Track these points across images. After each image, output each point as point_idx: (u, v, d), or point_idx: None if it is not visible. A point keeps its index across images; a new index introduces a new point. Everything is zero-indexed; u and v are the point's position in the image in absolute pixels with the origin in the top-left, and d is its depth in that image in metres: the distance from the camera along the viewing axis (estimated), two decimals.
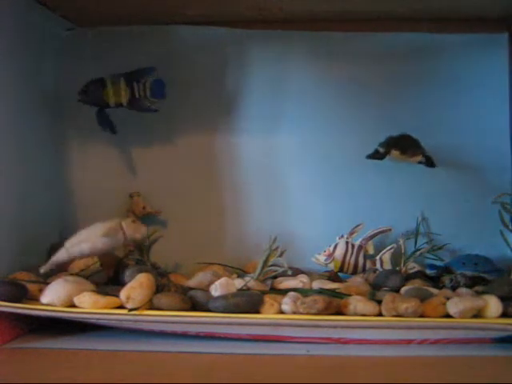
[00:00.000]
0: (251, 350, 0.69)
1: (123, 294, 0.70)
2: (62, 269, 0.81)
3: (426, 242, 0.91)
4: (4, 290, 0.70)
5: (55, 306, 0.70)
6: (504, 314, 0.68)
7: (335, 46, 0.96)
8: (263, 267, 0.77)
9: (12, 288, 0.71)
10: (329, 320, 0.68)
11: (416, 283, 0.78)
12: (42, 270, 0.76)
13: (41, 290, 0.73)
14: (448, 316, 0.68)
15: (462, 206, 0.94)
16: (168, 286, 0.74)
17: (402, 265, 0.87)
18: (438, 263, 0.88)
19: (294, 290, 0.74)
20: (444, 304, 0.69)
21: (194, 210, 0.97)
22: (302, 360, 0.66)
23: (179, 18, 0.96)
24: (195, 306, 0.71)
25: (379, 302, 0.69)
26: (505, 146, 0.94)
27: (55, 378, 0.59)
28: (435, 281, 0.81)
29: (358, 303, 0.69)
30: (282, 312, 0.70)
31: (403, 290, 0.75)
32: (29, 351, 0.69)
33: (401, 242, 0.89)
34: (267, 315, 0.69)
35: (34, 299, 0.72)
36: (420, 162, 0.89)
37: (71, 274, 0.78)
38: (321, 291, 0.74)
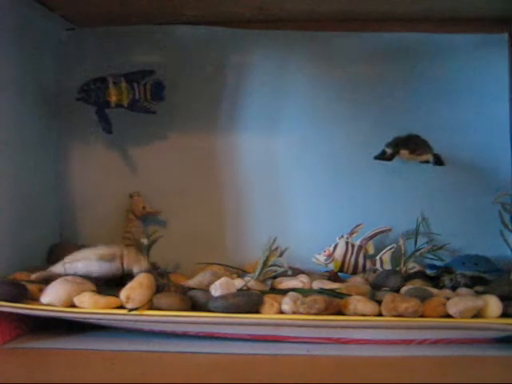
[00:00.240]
0: (251, 350, 0.69)
1: (123, 294, 0.70)
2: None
3: (426, 242, 0.91)
4: (4, 290, 0.70)
5: (55, 306, 0.70)
6: (504, 314, 0.68)
7: (335, 45, 0.96)
8: (263, 267, 0.77)
9: (12, 288, 0.71)
10: (329, 320, 0.68)
11: (416, 283, 0.78)
12: (34, 277, 0.76)
13: (41, 290, 0.72)
14: (448, 316, 0.68)
15: (461, 206, 0.94)
16: (168, 286, 0.74)
17: (402, 265, 0.87)
18: (438, 263, 0.88)
19: (294, 290, 0.74)
20: (444, 304, 0.69)
21: (194, 210, 0.97)
22: (302, 360, 0.66)
23: (179, 18, 0.96)
24: (195, 306, 0.71)
25: (379, 302, 0.69)
26: (505, 146, 0.94)
27: (55, 378, 0.59)
28: (435, 281, 0.81)
29: (358, 303, 0.69)
30: (282, 312, 0.70)
31: (403, 290, 0.75)
32: (29, 351, 0.69)
33: (401, 242, 0.89)
34: (267, 315, 0.69)
35: (34, 299, 0.72)
36: (428, 161, 0.89)
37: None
38: (321, 291, 0.74)
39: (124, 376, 0.61)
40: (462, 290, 0.75)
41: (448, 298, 0.70)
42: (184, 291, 0.73)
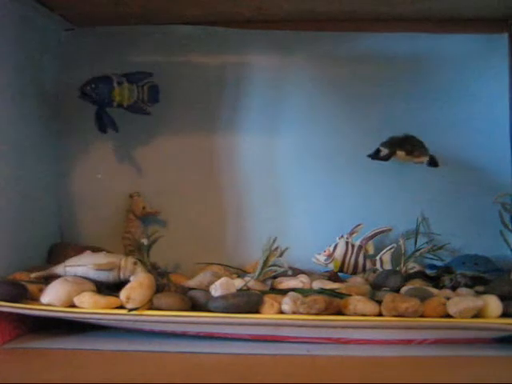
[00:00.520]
0: (251, 350, 0.69)
1: (123, 294, 0.70)
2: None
3: (426, 242, 0.91)
4: (4, 290, 0.70)
5: (55, 306, 0.70)
6: (504, 314, 0.68)
7: (335, 45, 0.96)
8: (263, 267, 0.77)
9: (12, 288, 0.71)
10: (329, 320, 0.68)
11: (416, 283, 0.78)
12: (33, 276, 0.76)
13: (41, 290, 0.72)
14: (448, 316, 0.68)
15: (461, 206, 0.94)
16: (168, 286, 0.74)
17: (402, 265, 0.87)
18: (438, 263, 0.88)
19: (294, 290, 0.74)
20: (444, 304, 0.69)
21: (194, 210, 0.97)
22: (302, 360, 0.66)
23: (179, 18, 0.96)
24: (195, 306, 0.71)
25: (379, 302, 0.69)
26: (505, 146, 0.94)
27: (55, 378, 0.59)
28: (435, 281, 0.81)
29: (357, 303, 0.69)
30: (282, 312, 0.70)
31: (403, 290, 0.75)
32: (29, 351, 0.69)
33: (401, 242, 0.89)
34: (267, 315, 0.69)
35: (34, 299, 0.72)
36: (422, 162, 0.89)
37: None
38: (321, 291, 0.74)
39: (124, 376, 0.61)
40: (462, 290, 0.75)
41: (448, 298, 0.70)
42: (184, 291, 0.73)
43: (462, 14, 0.93)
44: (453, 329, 0.69)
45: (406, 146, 0.86)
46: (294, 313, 0.69)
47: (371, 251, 0.88)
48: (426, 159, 0.88)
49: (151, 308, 0.70)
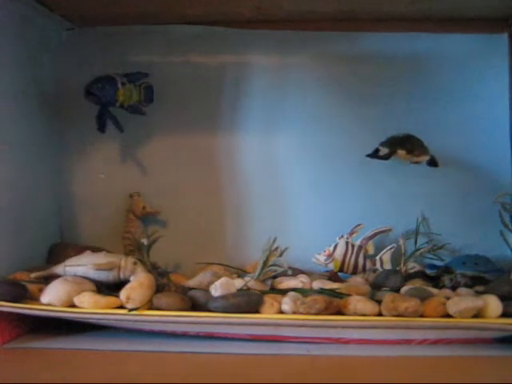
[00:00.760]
0: (251, 350, 0.69)
1: (123, 294, 0.70)
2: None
3: (426, 242, 0.91)
4: (4, 289, 0.70)
5: (55, 306, 0.70)
6: (504, 314, 0.68)
7: (335, 46, 0.96)
8: (263, 267, 0.77)
9: (12, 288, 0.71)
10: (329, 320, 0.68)
11: (416, 283, 0.78)
12: (34, 275, 0.76)
13: (41, 290, 0.72)
14: (448, 316, 0.68)
15: (461, 205, 0.94)
16: (168, 286, 0.74)
17: (402, 265, 0.87)
18: (438, 263, 0.88)
19: (294, 290, 0.74)
20: (444, 304, 0.69)
21: (194, 210, 0.97)
22: (302, 360, 0.66)
23: (179, 18, 0.96)
24: (195, 306, 0.71)
25: (379, 302, 0.69)
26: (505, 146, 0.94)
27: (55, 378, 0.59)
28: (435, 281, 0.81)
29: (357, 303, 0.69)
30: (281, 312, 0.70)
31: (403, 289, 0.75)
32: (29, 351, 0.69)
33: (401, 242, 0.89)
34: (267, 315, 0.69)
35: (34, 299, 0.72)
36: (420, 162, 0.89)
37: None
38: (321, 291, 0.74)
39: (124, 376, 0.61)
40: (462, 290, 0.75)
41: (448, 298, 0.70)
42: (184, 291, 0.73)
43: (462, 13, 0.93)
44: (453, 329, 0.69)
45: (407, 145, 0.86)
46: (294, 313, 0.69)
47: (371, 251, 0.88)
48: (426, 158, 0.88)
49: (151, 308, 0.70)
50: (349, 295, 0.71)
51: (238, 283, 0.75)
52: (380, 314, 0.69)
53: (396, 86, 0.95)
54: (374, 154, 0.87)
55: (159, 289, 0.73)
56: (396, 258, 0.89)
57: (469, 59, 0.95)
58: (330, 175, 0.96)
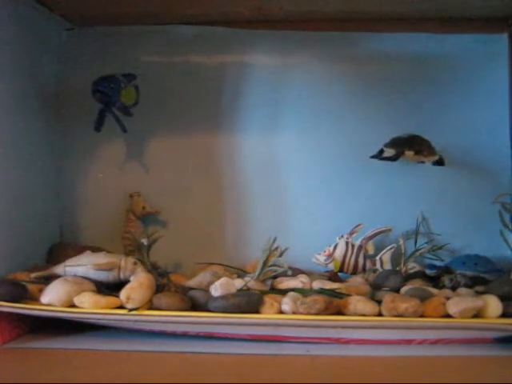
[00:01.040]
0: (251, 350, 0.69)
1: (123, 294, 0.70)
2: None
3: (426, 242, 0.91)
4: (4, 289, 0.70)
5: (55, 306, 0.70)
6: (504, 314, 0.68)
7: (336, 46, 0.96)
8: (263, 267, 0.77)
9: (12, 288, 0.71)
10: (329, 320, 0.68)
11: (416, 283, 0.78)
12: (33, 276, 0.76)
13: (41, 290, 0.72)
14: (448, 316, 0.68)
15: (461, 205, 0.94)
16: (168, 286, 0.74)
17: (402, 265, 0.87)
18: (438, 263, 0.88)
19: (294, 290, 0.74)
20: (444, 304, 0.68)
21: (194, 209, 0.97)
22: (302, 360, 0.66)
23: (179, 18, 0.96)
24: (195, 306, 0.71)
25: (379, 302, 0.69)
26: (505, 145, 0.94)
27: (55, 378, 0.59)
28: (435, 281, 0.81)
29: (357, 303, 0.69)
30: (281, 312, 0.70)
31: (403, 290, 0.75)
32: (29, 351, 0.69)
33: (401, 242, 0.89)
34: (267, 315, 0.69)
35: (34, 299, 0.72)
36: (423, 162, 0.89)
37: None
38: (321, 291, 0.74)
39: (124, 376, 0.61)
40: (462, 290, 0.75)
41: (448, 298, 0.70)
42: (184, 291, 0.73)
43: (462, 13, 0.93)
44: (453, 329, 0.69)
45: (415, 145, 0.86)
46: (294, 313, 0.69)
47: (371, 251, 0.88)
48: (435, 158, 0.88)
49: (151, 308, 0.70)
50: (349, 295, 0.71)
51: (238, 283, 0.75)
52: (380, 314, 0.69)
53: (396, 87, 0.95)
54: (379, 155, 0.87)
55: (159, 289, 0.73)
56: (396, 258, 0.89)
57: (469, 59, 0.95)
58: (330, 175, 0.96)
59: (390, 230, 0.89)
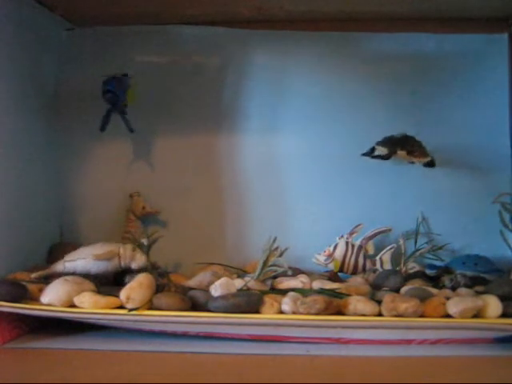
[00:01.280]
0: (251, 350, 0.69)
1: (123, 294, 0.70)
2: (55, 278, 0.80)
3: (426, 242, 0.91)
4: (4, 289, 0.70)
5: (55, 306, 0.70)
6: (504, 314, 0.68)
7: (336, 45, 0.96)
8: (263, 267, 0.77)
9: (12, 288, 0.71)
10: (329, 320, 0.68)
11: (416, 283, 0.78)
12: (34, 275, 0.76)
13: (41, 290, 0.72)
14: (448, 316, 0.68)
15: (461, 206, 0.94)
16: (168, 286, 0.74)
17: (402, 265, 0.87)
18: (438, 263, 0.88)
19: (294, 290, 0.74)
20: (444, 304, 0.69)
21: (194, 209, 0.97)
22: (302, 360, 0.66)
23: (179, 18, 0.96)
24: (195, 306, 0.71)
25: (379, 302, 0.69)
26: (505, 145, 0.94)
27: (55, 378, 0.59)
28: (435, 281, 0.81)
29: (357, 303, 0.69)
30: (281, 312, 0.70)
31: (403, 290, 0.75)
32: (29, 351, 0.69)
33: (401, 242, 0.89)
34: (267, 315, 0.69)
35: (34, 299, 0.72)
36: (413, 162, 0.89)
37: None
38: (321, 291, 0.74)
39: (124, 376, 0.61)
40: (462, 290, 0.75)
41: (448, 298, 0.70)
42: (184, 291, 0.73)
43: (462, 13, 0.93)
44: (453, 329, 0.69)
45: (407, 146, 0.86)
46: (294, 313, 0.69)
47: (371, 251, 0.88)
48: (427, 160, 0.88)
49: (151, 308, 0.70)
50: (349, 295, 0.71)
51: (238, 283, 0.75)
52: (380, 314, 0.69)
53: (396, 87, 0.95)
54: (371, 153, 0.87)
55: (159, 289, 0.73)
56: (396, 258, 0.88)
57: (469, 59, 0.95)
58: (330, 175, 0.96)
59: (389, 230, 0.89)
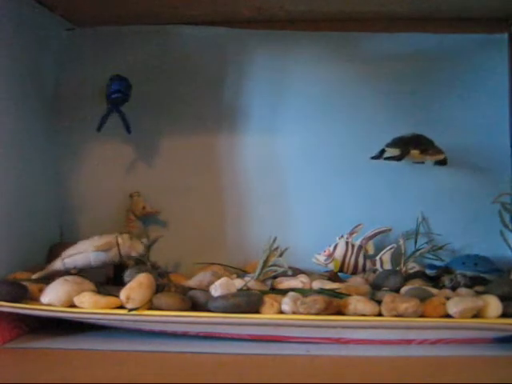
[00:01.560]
0: (251, 350, 0.69)
1: (123, 294, 0.70)
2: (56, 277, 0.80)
3: (426, 242, 0.92)
4: (4, 289, 0.70)
5: (55, 306, 0.70)
6: (504, 314, 0.68)
7: (336, 45, 0.96)
8: (263, 267, 0.77)
9: (12, 288, 0.71)
10: (329, 320, 0.68)
11: (416, 283, 0.78)
12: (35, 277, 0.76)
13: (41, 290, 0.72)
14: (448, 316, 0.68)
15: (462, 206, 0.94)
16: (168, 286, 0.74)
17: (402, 265, 0.87)
18: (438, 263, 0.88)
19: (294, 290, 0.74)
20: (444, 304, 0.69)
21: (194, 209, 0.97)
22: (302, 360, 0.66)
23: (179, 18, 0.96)
24: (195, 306, 0.71)
25: (379, 302, 0.69)
26: (505, 145, 0.94)
27: (55, 378, 0.59)
28: (435, 281, 0.81)
29: (357, 303, 0.69)
30: (281, 312, 0.70)
31: (403, 290, 0.75)
32: (29, 351, 0.69)
33: (401, 242, 0.89)
34: (267, 315, 0.69)
35: (34, 299, 0.72)
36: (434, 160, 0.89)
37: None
38: (321, 291, 0.74)
39: (124, 376, 0.61)
40: (462, 290, 0.75)
41: (448, 298, 0.70)
42: (184, 291, 0.73)
43: (462, 13, 0.93)
44: (453, 329, 0.69)
45: (420, 145, 0.86)
46: (294, 313, 0.69)
47: (371, 251, 0.88)
48: (441, 157, 0.88)
49: (151, 308, 0.70)
50: (349, 295, 0.71)
51: (238, 283, 0.75)
52: (380, 314, 0.69)
53: (396, 87, 0.95)
54: (381, 156, 0.87)
55: (159, 289, 0.73)
56: (396, 258, 0.88)
57: (469, 59, 0.95)
58: (330, 175, 0.96)
59: (389, 229, 0.89)
